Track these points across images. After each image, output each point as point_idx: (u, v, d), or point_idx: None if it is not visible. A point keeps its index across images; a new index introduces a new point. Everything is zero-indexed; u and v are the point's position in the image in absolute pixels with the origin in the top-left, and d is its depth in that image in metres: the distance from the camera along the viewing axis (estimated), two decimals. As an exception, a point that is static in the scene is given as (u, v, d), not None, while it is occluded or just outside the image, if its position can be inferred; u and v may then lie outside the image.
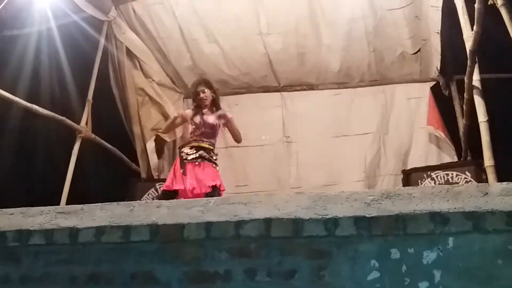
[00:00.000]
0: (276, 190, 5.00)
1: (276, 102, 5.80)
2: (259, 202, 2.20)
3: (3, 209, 2.44)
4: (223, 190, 3.86)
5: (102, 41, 5.00)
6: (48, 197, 3.51)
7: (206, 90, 3.98)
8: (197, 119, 3.92)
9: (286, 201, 2.17)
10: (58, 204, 3.65)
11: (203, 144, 3.85)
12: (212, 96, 4.02)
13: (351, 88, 5.69)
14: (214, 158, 3.89)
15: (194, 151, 3.80)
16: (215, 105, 4.03)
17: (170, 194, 3.66)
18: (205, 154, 3.81)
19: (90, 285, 2.16)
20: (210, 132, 3.92)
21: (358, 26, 5.14)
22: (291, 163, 5.52)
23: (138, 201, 3.54)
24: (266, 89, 5.84)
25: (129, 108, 5.22)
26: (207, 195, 3.56)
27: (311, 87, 5.78)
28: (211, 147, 3.90)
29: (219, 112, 4.03)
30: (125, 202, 2.36)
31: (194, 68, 5.64)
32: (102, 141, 4.96)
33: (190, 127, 4.00)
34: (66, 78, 5.10)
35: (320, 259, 1.98)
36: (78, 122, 4.66)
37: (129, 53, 5.28)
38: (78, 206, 2.39)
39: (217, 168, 3.88)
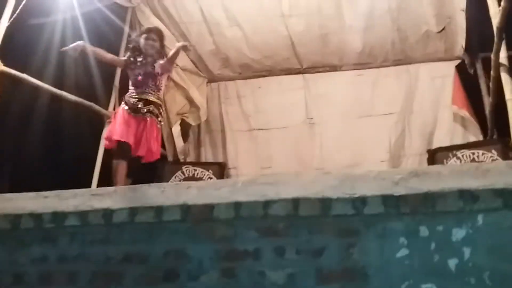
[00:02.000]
0: (304, 172, 5.02)
1: (299, 84, 5.79)
2: (286, 182, 2.23)
3: (39, 192, 2.52)
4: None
5: (127, 27, 5.05)
6: (79, 181, 3.60)
7: (156, 40, 3.74)
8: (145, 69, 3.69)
9: (313, 180, 2.20)
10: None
11: (151, 98, 3.64)
12: (160, 49, 3.77)
13: (375, 68, 5.64)
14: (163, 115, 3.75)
15: (142, 105, 3.59)
16: (159, 57, 3.75)
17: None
18: (155, 110, 3.62)
19: (124, 265, 2.23)
20: (156, 84, 3.67)
21: (381, 5, 5.08)
22: (314, 145, 5.53)
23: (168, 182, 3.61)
24: (289, 72, 5.83)
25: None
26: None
27: (333, 68, 5.75)
28: (159, 102, 3.70)
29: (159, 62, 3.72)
30: (156, 183, 2.42)
31: (217, 52, 5.67)
32: (129, 126, 5.05)
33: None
34: (92, 65, 5.17)
35: (349, 237, 2.01)
36: (106, 108, 4.75)
37: (153, 38, 5.32)
38: (111, 188, 2.47)
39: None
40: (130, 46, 3.86)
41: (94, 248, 2.31)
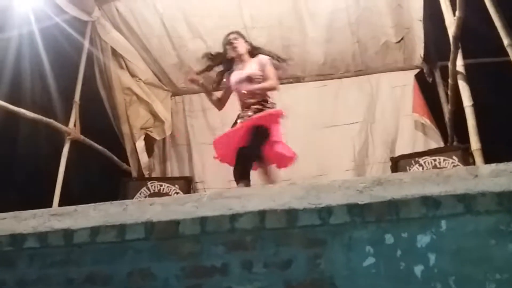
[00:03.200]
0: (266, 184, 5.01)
1: (263, 96, 5.80)
2: (252, 194, 2.22)
3: (-4, 214, 2.42)
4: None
5: (87, 42, 4.96)
6: (39, 200, 3.48)
7: (238, 38, 3.64)
8: (234, 77, 3.56)
9: (280, 192, 2.19)
10: (50, 207, 3.63)
11: (254, 99, 3.47)
12: (248, 47, 3.63)
13: (337, 79, 5.73)
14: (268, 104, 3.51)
15: (246, 110, 3.47)
16: (251, 56, 3.62)
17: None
18: (259, 107, 3.44)
19: (87, 286, 2.16)
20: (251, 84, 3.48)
21: (341, 17, 5.17)
22: (280, 156, 5.53)
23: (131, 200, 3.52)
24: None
25: (117, 108, 5.20)
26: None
27: (297, 79, 5.79)
28: (264, 99, 3.50)
29: (256, 59, 3.58)
30: (118, 201, 2.36)
31: (180, 65, 5.63)
32: (91, 142, 4.94)
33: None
34: (51, 81, 5.06)
35: (316, 248, 2.00)
36: (66, 125, 4.63)
37: (115, 53, 5.25)
38: (71, 208, 2.39)
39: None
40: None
41: (55, 270, 2.23)
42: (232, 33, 3.76)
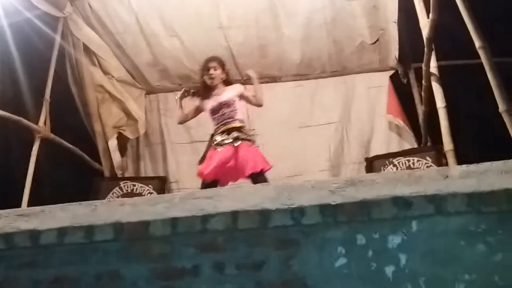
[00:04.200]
0: (243, 184, 4.99)
1: (239, 95, 5.77)
2: (224, 195, 2.19)
3: (-41, 215, 2.34)
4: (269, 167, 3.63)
5: (58, 38, 4.84)
6: (8, 201, 3.38)
7: (218, 68, 3.77)
8: (210, 103, 3.70)
9: (252, 193, 2.17)
10: (19, 208, 3.53)
11: (233, 125, 3.61)
12: (225, 76, 3.82)
13: (313, 79, 5.74)
14: (251, 135, 3.67)
15: (226, 135, 3.56)
16: (226, 84, 3.82)
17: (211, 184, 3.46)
18: (239, 134, 3.57)
19: (54, 289, 2.10)
20: (231, 110, 3.65)
21: (318, 17, 5.18)
22: (256, 156, 5.52)
23: (100, 200, 3.45)
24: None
25: (89, 106, 5.10)
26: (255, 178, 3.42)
27: (273, 79, 5.78)
28: (241, 124, 3.64)
29: (232, 87, 3.79)
30: (87, 202, 2.30)
31: (155, 63, 5.56)
32: (62, 141, 4.83)
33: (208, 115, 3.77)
34: (21, 77, 4.92)
35: (288, 249, 1.99)
36: (36, 123, 4.51)
37: (87, 49, 5.15)
38: (37, 208, 2.32)
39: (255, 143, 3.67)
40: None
41: (21, 272, 2.17)
42: (213, 60, 3.86)
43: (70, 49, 4.99)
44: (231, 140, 3.54)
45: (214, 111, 3.70)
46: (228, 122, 3.64)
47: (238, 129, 3.61)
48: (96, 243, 2.10)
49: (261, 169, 3.51)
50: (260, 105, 3.84)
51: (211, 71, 3.76)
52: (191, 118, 4.04)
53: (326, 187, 2.06)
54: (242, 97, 3.76)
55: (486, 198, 1.89)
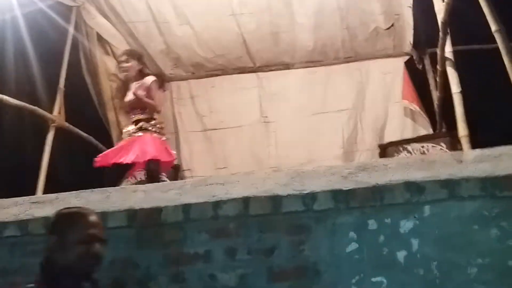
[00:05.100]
0: (255, 171, 5.00)
1: (252, 82, 5.75)
2: (236, 181, 2.20)
3: (-24, 202, 2.39)
4: (170, 160, 3.79)
5: (71, 27, 4.86)
6: (23, 189, 3.43)
7: (129, 60, 3.82)
8: (128, 96, 3.80)
9: (264, 179, 2.17)
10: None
11: (140, 116, 3.72)
12: (139, 67, 3.84)
13: (326, 66, 5.67)
14: (157, 127, 3.75)
15: (134, 126, 3.70)
16: (142, 76, 3.83)
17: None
18: (146, 124, 3.68)
19: (69, 274, 2.13)
20: (140, 104, 3.73)
21: (330, 3, 5.10)
22: (269, 143, 5.51)
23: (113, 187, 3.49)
24: (242, 70, 5.78)
25: (103, 95, 5.11)
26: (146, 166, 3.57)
27: (286, 66, 5.73)
28: (150, 116, 3.73)
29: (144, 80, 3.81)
30: (100, 188, 2.33)
31: (168, 51, 5.54)
32: (77, 130, 4.87)
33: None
34: (35, 67, 4.96)
35: (299, 234, 1.99)
36: (51, 112, 4.56)
37: (100, 38, 5.15)
38: (52, 195, 2.36)
39: (163, 137, 3.77)
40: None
41: (36, 259, 2.18)
42: (123, 54, 3.94)
43: (84, 38, 4.99)
44: (135, 130, 3.66)
45: (130, 104, 3.80)
46: (136, 113, 3.73)
47: (146, 120, 3.69)
48: (110, 230, 2.12)
49: (154, 158, 3.56)
50: (155, 110, 3.83)
51: (123, 64, 3.84)
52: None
53: (338, 172, 2.05)
54: (148, 91, 3.76)
55: (501, 182, 1.87)
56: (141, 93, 3.71)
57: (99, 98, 5.12)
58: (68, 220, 1.68)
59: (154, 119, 3.75)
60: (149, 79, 3.79)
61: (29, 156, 4.84)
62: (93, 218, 1.70)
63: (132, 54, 3.93)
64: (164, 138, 3.81)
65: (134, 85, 3.80)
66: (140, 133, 3.66)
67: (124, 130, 3.81)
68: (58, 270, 1.58)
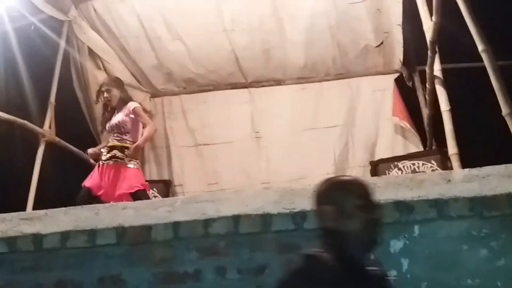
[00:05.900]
0: (246, 186, 4.99)
1: (244, 98, 5.78)
2: (226, 199, 2.19)
3: (-37, 218, 2.36)
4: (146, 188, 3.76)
5: (63, 41, 4.86)
6: (12, 204, 3.39)
7: (111, 90, 3.84)
8: (111, 122, 3.82)
9: (254, 196, 2.17)
10: (24, 211, 3.55)
11: (115, 143, 3.72)
12: (120, 95, 3.86)
13: (317, 82, 5.72)
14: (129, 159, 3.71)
15: (106, 153, 3.69)
16: (124, 102, 3.86)
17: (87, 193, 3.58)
18: (118, 153, 3.67)
19: (57, 292, 2.11)
20: (121, 131, 3.76)
21: (321, 21, 5.16)
22: (261, 159, 5.52)
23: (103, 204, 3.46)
24: (234, 86, 5.82)
25: (94, 110, 5.11)
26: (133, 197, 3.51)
27: (278, 82, 5.78)
28: (124, 144, 3.72)
29: (126, 106, 3.82)
30: (89, 205, 2.31)
31: (160, 66, 5.56)
32: (67, 144, 4.85)
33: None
34: (26, 81, 4.94)
35: (290, 253, 1.98)
36: (41, 126, 4.53)
37: (91, 53, 5.16)
38: (41, 212, 2.34)
39: (135, 166, 3.72)
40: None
41: (24, 276, 2.18)
42: (103, 84, 3.95)
43: (75, 52, 5.00)
44: (107, 158, 3.66)
45: (110, 129, 3.83)
46: (113, 139, 3.75)
47: (119, 148, 3.69)
48: (99, 247, 2.11)
49: (134, 191, 3.55)
50: (151, 132, 3.93)
51: (105, 95, 3.86)
52: None
53: (328, 191, 2.05)
54: (137, 117, 3.78)
55: (489, 202, 1.88)
56: (125, 120, 3.73)
57: (90, 112, 5.11)
58: (345, 187, 1.59)
59: (128, 148, 3.70)
60: (132, 105, 3.80)
61: (19, 171, 4.79)
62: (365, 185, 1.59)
63: (112, 83, 3.94)
64: (138, 165, 3.76)
65: (116, 113, 3.82)
66: (111, 162, 3.65)
67: (102, 150, 3.78)
68: (343, 238, 1.51)
